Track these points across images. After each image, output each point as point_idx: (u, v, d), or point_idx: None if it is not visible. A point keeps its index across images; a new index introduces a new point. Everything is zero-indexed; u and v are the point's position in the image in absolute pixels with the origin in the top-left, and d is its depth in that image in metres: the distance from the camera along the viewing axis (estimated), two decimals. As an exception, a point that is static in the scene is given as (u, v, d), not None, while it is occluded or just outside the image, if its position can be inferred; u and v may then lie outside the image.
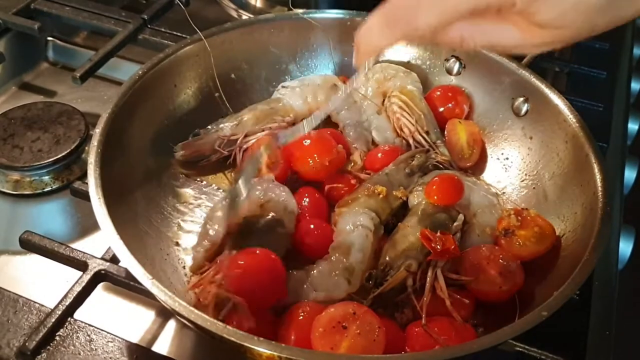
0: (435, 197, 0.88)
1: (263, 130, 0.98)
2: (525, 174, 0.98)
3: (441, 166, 0.98)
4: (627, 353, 1.11)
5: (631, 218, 1.25)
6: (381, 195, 0.89)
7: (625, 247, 1.13)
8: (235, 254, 0.76)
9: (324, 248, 0.85)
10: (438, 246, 0.80)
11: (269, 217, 0.86)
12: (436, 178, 0.91)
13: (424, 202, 0.89)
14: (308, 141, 0.95)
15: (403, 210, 0.92)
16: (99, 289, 0.86)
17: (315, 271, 0.82)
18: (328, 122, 1.06)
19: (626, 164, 1.22)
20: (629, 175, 1.25)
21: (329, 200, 0.94)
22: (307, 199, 0.92)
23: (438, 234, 0.83)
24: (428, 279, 0.80)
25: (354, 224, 0.85)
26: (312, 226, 0.89)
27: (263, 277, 0.75)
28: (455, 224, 0.87)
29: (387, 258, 0.83)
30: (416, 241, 0.83)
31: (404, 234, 0.85)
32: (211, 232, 0.84)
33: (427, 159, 0.97)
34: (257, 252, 0.78)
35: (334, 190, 0.95)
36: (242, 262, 0.76)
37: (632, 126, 1.33)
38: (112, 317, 0.85)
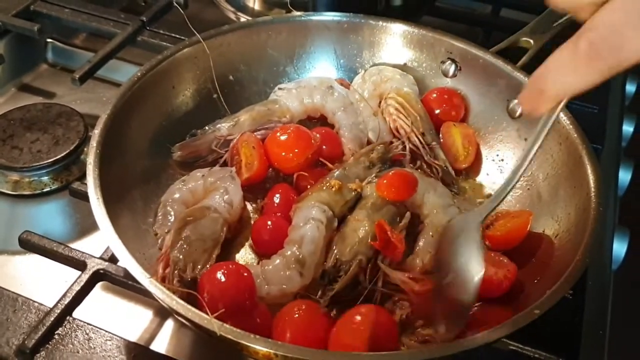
0: (385, 192, 0.89)
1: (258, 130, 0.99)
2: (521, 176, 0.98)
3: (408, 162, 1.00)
4: (621, 353, 1.11)
5: (626, 219, 1.26)
6: (334, 188, 0.89)
7: (620, 248, 1.14)
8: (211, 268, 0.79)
9: (281, 245, 0.86)
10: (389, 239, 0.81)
11: (205, 202, 0.88)
12: (389, 173, 0.92)
13: (374, 196, 0.90)
14: (285, 136, 0.97)
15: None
16: (98, 289, 0.88)
17: (268, 266, 0.83)
18: (324, 122, 1.07)
19: (621, 166, 1.23)
20: (624, 177, 1.26)
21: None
22: (279, 196, 0.93)
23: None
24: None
25: (306, 217, 0.86)
26: (269, 223, 0.90)
27: (237, 293, 0.76)
28: (402, 222, 0.88)
29: (337, 252, 0.83)
30: (365, 235, 0.84)
31: (353, 228, 0.86)
32: (172, 213, 0.87)
33: (387, 151, 0.97)
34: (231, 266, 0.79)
35: (303, 181, 0.96)
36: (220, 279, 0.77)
37: (627, 128, 1.33)
38: (111, 316, 0.85)
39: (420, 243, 0.87)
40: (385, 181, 0.90)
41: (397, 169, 0.95)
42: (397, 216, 0.88)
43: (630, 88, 1.38)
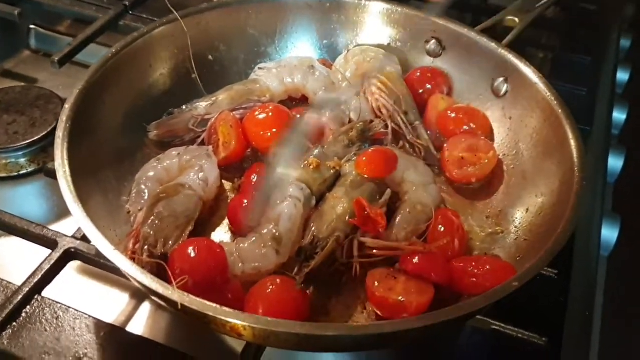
0: (365, 169, 0.87)
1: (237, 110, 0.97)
2: (505, 154, 0.97)
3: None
4: (615, 340, 1.09)
5: (619, 207, 1.24)
6: (312, 167, 0.88)
7: (610, 234, 1.12)
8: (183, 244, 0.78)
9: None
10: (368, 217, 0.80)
11: (179, 180, 0.87)
12: (369, 150, 0.90)
13: (353, 173, 0.88)
14: (264, 115, 0.95)
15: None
16: (74, 271, 0.86)
17: (244, 244, 0.81)
18: (305, 103, 1.05)
19: (613, 153, 1.21)
20: (616, 163, 1.24)
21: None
22: (256, 176, 0.91)
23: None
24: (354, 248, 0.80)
25: (283, 195, 0.84)
26: (245, 202, 0.87)
27: (208, 269, 0.75)
28: (382, 198, 0.86)
29: (314, 229, 0.82)
30: (343, 212, 0.83)
31: (332, 205, 0.84)
32: (145, 191, 0.86)
33: (367, 129, 0.95)
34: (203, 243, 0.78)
35: None
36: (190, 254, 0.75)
37: (620, 116, 1.32)
38: (87, 298, 0.83)
39: (397, 219, 0.85)
40: (364, 158, 0.88)
41: (377, 146, 0.93)
42: (377, 194, 0.87)
43: (623, 76, 1.37)
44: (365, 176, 0.87)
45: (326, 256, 0.79)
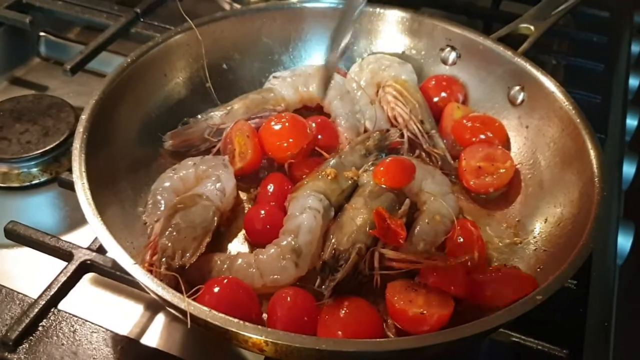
0: (383, 179, 0.87)
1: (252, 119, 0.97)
2: (522, 164, 0.96)
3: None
4: (628, 347, 1.08)
5: (631, 213, 1.24)
6: (330, 177, 0.87)
7: (625, 242, 1.11)
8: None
9: (275, 234, 0.83)
10: (389, 227, 0.79)
11: (196, 190, 0.86)
12: (386, 160, 0.89)
13: (371, 183, 0.87)
14: (280, 125, 0.94)
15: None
16: (89, 283, 0.86)
17: (263, 255, 0.80)
18: (320, 111, 1.05)
19: (625, 159, 1.21)
20: (629, 170, 1.23)
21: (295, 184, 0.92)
22: (272, 186, 0.90)
23: None
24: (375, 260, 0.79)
25: (302, 207, 0.83)
26: (262, 212, 0.87)
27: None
28: (401, 209, 0.85)
29: (334, 241, 0.80)
30: (363, 223, 0.81)
31: (351, 216, 0.83)
32: (162, 202, 0.85)
33: (384, 138, 0.94)
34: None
35: (298, 171, 0.93)
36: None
37: (631, 122, 1.31)
38: (102, 310, 0.83)
39: (416, 230, 0.84)
40: (382, 168, 0.88)
41: (394, 156, 0.92)
42: (396, 203, 0.86)
43: (634, 82, 1.36)
44: (384, 186, 0.86)
45: (350, 269, 0.78)
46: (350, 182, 0.88)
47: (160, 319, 0.84)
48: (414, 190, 0.89)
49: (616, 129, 1.15)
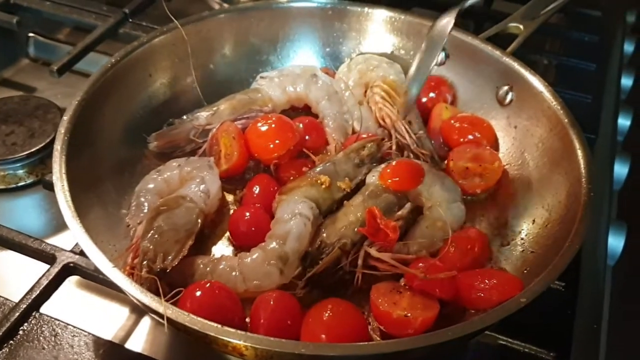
0: (389, 181, 0.86)
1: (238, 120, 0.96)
2: (510, 164, 0.95)
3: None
4: (624, 349, 1.08)
5: (624, 214, 1.23)
6: (324, 186, 0.86)
7: (617, 243, 1.10)
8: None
9: (261, 237, 0.82)
10: (379, 227, 0.78)
11: (180, 192, 0.85)
12: (395, 162, 0.89)
13: (376, 184, 0.86)
14: (266, 126, 0.93)
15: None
16: (74, 287, 0.85)
17: (247, 259, 0.79)
18: (308, 112, 1.04)
19: (618, 159, 1.20)
20: (621, 171, 1.22)
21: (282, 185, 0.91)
22: (258, 187, 0.89)
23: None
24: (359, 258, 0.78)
25: (292, 212, 0.82)
26: (247, 214, 0.86)
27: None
28: (400, 211, 0.84)
29: (324, 235, 0.80)
30: (355, 220, 0.81)
31: (346, 212, 0.83)
32: (145, 204, 0.84)
33: (379, 149, 0.93)
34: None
35: (284, 172, 0.93)
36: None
37: (624, 122, 1.30)
38: (85, 314, 0.82)
39: (414, 232, 0.84)
40: (389, 170, 0.87)
41: (404, 158, 0.92)
42: (395, 206, 0.85)
43: (627, 82, 1.35)
44: (387, 188, 0.86)
45: (330, 262, 0.77)
46: (342, 193, 0.87)
47: (146, 322, 0.83)
48: (422, 194, 0.88)
49: (607, 129, 1.14)
